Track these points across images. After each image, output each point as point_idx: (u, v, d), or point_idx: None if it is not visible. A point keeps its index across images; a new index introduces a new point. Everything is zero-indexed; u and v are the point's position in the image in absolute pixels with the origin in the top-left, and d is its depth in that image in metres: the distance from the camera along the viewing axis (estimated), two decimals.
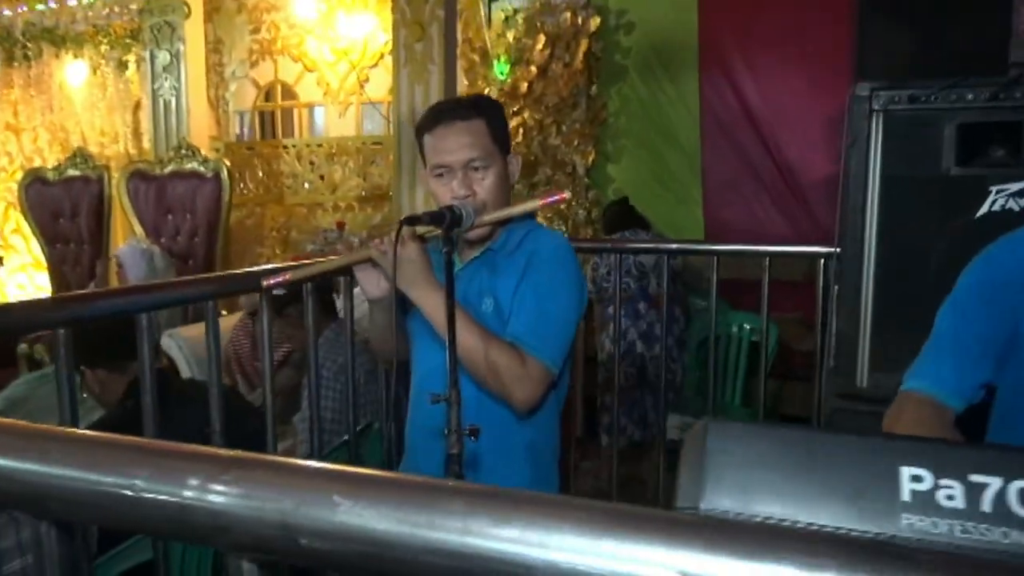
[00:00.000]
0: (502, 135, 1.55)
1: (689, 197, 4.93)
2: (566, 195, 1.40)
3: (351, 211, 5.70)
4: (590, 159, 4.81)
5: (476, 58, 5.10)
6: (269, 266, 2.16)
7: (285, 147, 5.88)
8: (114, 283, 4.99)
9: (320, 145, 5.74)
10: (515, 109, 4.88)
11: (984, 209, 1.70)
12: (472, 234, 1.50)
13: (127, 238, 5.49)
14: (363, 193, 5.59)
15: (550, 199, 1.45)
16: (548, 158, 4.84)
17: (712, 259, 2.59)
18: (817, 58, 4.53)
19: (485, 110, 1.52)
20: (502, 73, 4.94)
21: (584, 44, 4.67)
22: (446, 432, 1.18)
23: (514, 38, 4.89)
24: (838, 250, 2.15)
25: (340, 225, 5.18)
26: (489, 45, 5.01)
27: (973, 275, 1.27)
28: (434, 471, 1.49)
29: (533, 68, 4.76)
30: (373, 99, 5.63)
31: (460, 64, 5.02)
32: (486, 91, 5.05)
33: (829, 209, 4.69)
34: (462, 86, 5.04)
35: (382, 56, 5.55)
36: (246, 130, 6.48)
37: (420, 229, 1.48)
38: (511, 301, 1.49)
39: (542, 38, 4.74)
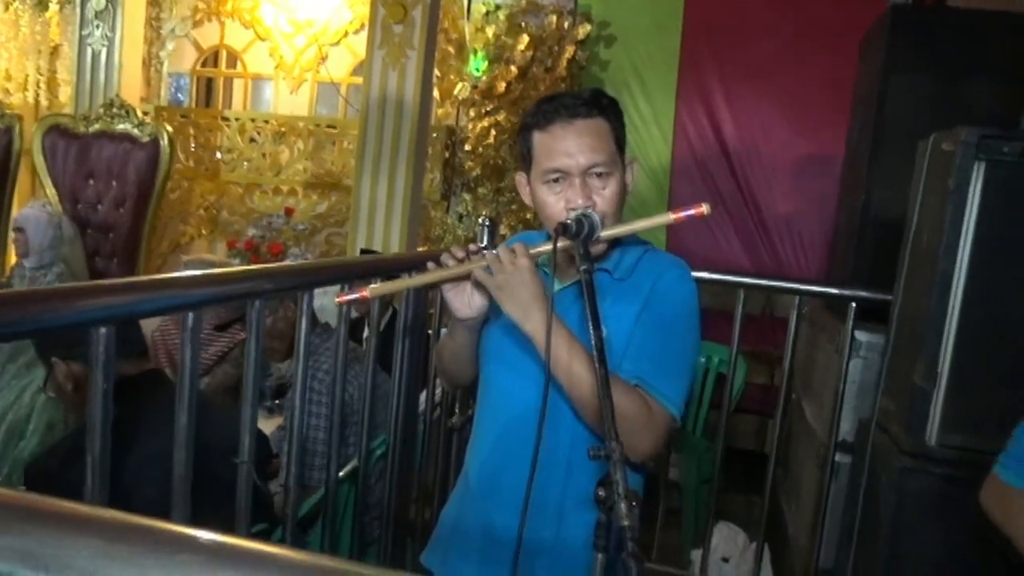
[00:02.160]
0: (622, 139, 1.34)
1: None
2: (704, 209, 1.19)
3: (293, 196, 5.29)
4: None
5: (451, 50, 4.86)
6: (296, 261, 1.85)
7: (225, 119, 5.40)
8: (10, 251, 4.41)
9: (267, 122, 5.30)
10: (488, 109, 4.67)
11: None
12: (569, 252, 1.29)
13: (30, 201, 4.88)
14: (311, 178, 5.20)
15: (685, 213, 1.24)
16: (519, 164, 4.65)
17: (738, 292, 2.49)
18: (797, 99, 4.56)
19: (607, 109, 1.30)
20: (478, 69, 4.72)
21: (569, 51, 4.52)
22: (600, 494, 0.96)
23: (494, 34, 4.68)
24: (890, 297, 2.07)
25: (289, 211, 4.79)
26: (467, 38, 4.78)
27: None
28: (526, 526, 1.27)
29: (513, 68, 4.56)
30: (332, 79, 5.26)
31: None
32: (458, 86, 4.82)
33: (794, 245, 4.78)
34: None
35: (346, 34, 5.21)
36: (180, 95, 5.94)
37: (540, 246, 1.25)
38: (628, 333, 1.28)
39: (525, 38, 4.55)
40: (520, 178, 1.37)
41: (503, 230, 4.64)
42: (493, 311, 1.32)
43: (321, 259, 4.41)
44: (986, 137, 1.65)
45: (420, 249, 4.57)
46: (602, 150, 1.26)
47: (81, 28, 5.18)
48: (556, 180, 1.27)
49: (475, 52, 4.73)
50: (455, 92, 4.84)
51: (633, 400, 1.19)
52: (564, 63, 4.52)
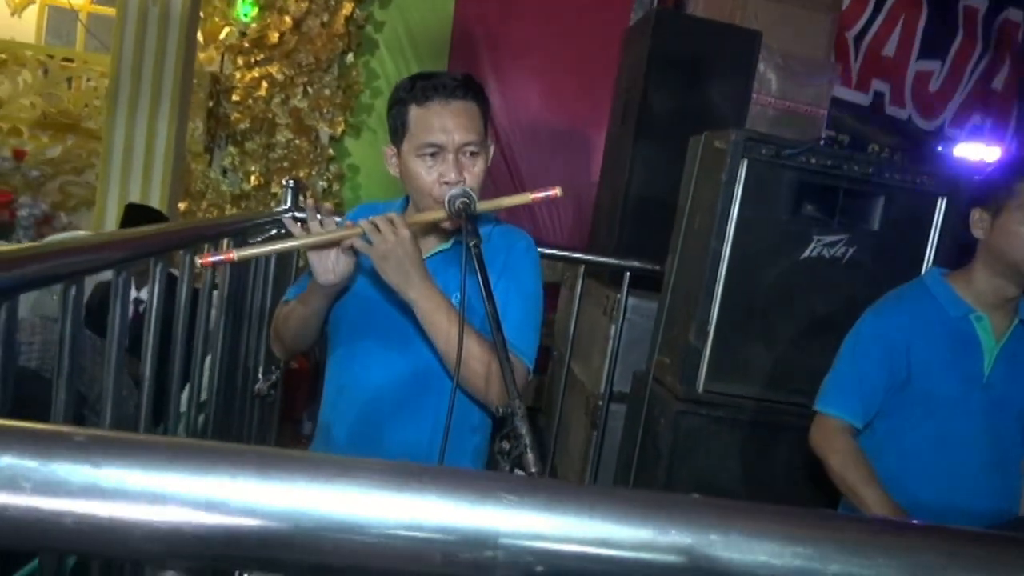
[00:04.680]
0: (487, 123, 1.47)
1: None
2: (558, 192, 1.38)
3: (17, 136, 4.57)
4: (339, 129, 4.58)
5: None
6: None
7: None
8: None
9: None
10: (259, 59, 4.43)
11: (806, 253, 2.10)
12: (446, 225, 1.40)
13: None
14: (41, 117, 4.53)
15: (542, 194, 1.41)
16: (292, 120, 4.49)
17: None
18: (562, 79, 4.94)
19: (478, 93, 1.42)
20: (246, 15, 4.44)
21: (348, 7, 4.43)
22: (504, 446, 1.10)
23: None
24: (663, 267, 2.43)
25: (19, 154, 4.13)
26: None
27: (871, 327, 1.59)
28: None
29: (288, 19, 4.37)
30: (71, 4, 4.59)
31: None
32: (224, 30, 4.50)
33: (552, 217, 5.21)
34: None
35: None
36: None
37: (420, 217, 1.34)
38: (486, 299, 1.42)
39: None
40: (388, 150, 1.43)
41: (274, 188, 4.48)
42: (352, 279, 1.37)
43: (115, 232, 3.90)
44: (750, 139, 2.02)
45: (180, 205, 4.24)
46: (475, 130, 1.37)
47: None
48: (431, 155, 1.36)
49: None
50: (220, 36, 4.52)
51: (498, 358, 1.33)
52: (342, 20, 4.43)
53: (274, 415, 2.61)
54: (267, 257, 2.18)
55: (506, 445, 1.11)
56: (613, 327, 2.85)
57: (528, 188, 4.50)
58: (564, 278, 4.11)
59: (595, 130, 4.66)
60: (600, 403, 2.84)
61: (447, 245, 1.45)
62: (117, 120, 3.86)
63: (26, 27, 4.75)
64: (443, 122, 1.35)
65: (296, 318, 1.47)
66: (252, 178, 4.48)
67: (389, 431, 1.41)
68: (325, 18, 4.43)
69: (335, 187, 4.62)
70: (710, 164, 2.17)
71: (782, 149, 2.03)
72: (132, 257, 1.37)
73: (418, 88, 1.37)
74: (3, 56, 4.49)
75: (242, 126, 4.50)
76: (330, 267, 1.33)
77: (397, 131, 1.40)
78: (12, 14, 4.68)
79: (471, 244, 1.24)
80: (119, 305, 1.38)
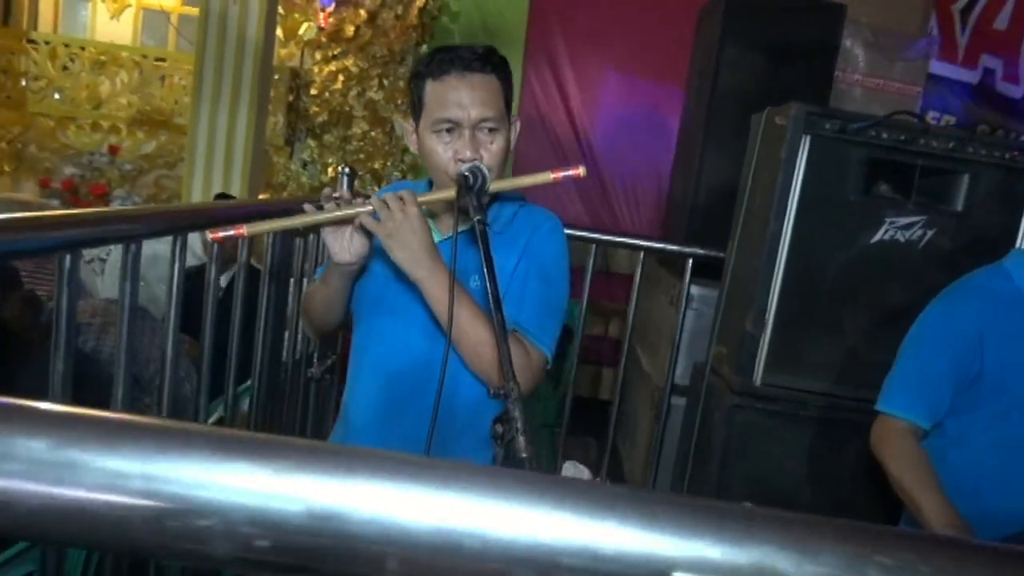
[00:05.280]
0: (510, 98, 1.39)
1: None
2: (581, 171, 1.29)
3: (116, 133, 4.85)
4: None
5: None
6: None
7: (32, 41, 4.81)
8: None
9: (84, 48, 4.78)
10: (336, 53, 4.52)
11: (878, 236, 1.92)
12: (461, 204, 1.34)
13: None
14: (137, 114, 4.78)
15: (563, 173, 1.33)
16: (368, 112, 4.55)
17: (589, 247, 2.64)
18: (640, 65, 4.80)
19: (499, 67, 1.35)
20: (324, 9, 4.53)
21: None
22: (498, 429, 1.04)
23: None
24: (725, 254, 2.29)
25: (113, 149, 4.38)
26: None
27: (937, 317, 1.43)
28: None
29: (362, 12, 4.43)
30: (163, 6, 4.83)
31: None
32: (304, 25, 4.61)
33: (629, 204, 5.08)
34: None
35: None
36: None
37: (431, 195, 1.29)
38: (507, 282, 1.36)
39: None
40: (408, 126, 1.38)
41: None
42: (371, 258, 1.34)
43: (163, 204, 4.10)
44: (811, 114, 1.86)
45: (262, 196, 4.37)
46: (493, 105, 1.31)
47: None
48: (447, 131, 1.30)
49: None
50: (300, 32, 4.63)
51: (514, 345, 1.27)
52: (415, 11, 4.45)
53: (331, 400, 2.63)
54: (314, 240, 2.19)
55: (499, 428, 1.06)
56: (679, 317, 2.74)
57: (608, 179, 4.38)
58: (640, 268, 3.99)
59: (674, 116, 4.51)
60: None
61: (465, 227, 1.40)
62: (200, 115, 4.01)
63: (124, 30, 5.02)
64: (459, 96, 1.29)
65: (319, 298, 1.45)
66: (330, 170, 4.57)
67: (403, 414, 1.37)
68: (399, 10, 4.46)
69: (410, 177, 4.65)
70: (771, 142, 2.03)
71: (848, 124, 1.87)
72: (169, 230, 1.39)
73: (435, 61, 1.31)
74: (103, 58, 4.76)
75: (320, 119, 4.60)
76: (345, 246, 1.30)
77: (415, 106, 1.35)
78: (111, 18, 4.95)
79: (476, 220, 1.18)
80: (176, 270, 1.40)
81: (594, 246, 2.67)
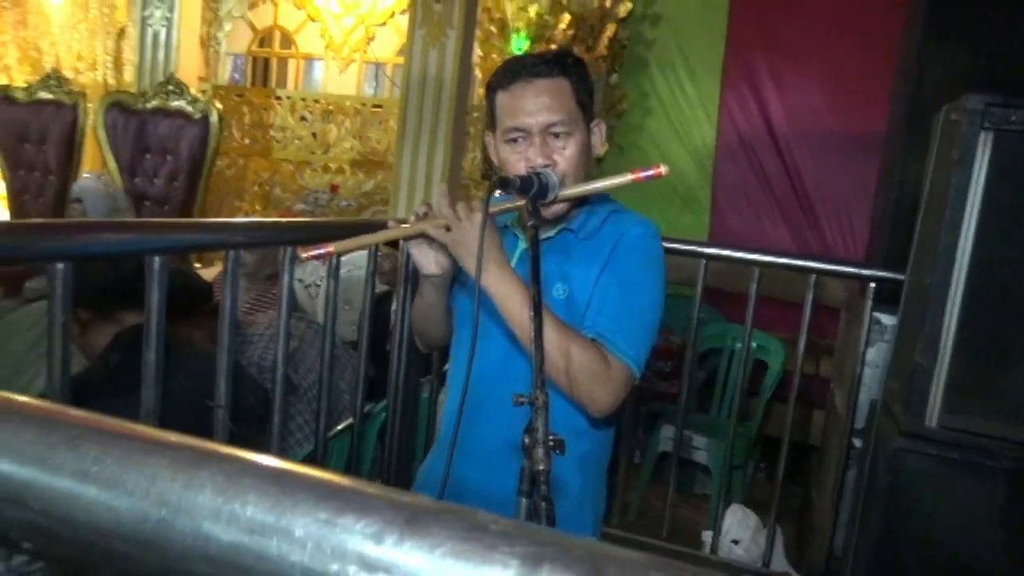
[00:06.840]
0: (587, 99, 1.34)
1: (695, 201, 4.80)
2: (663, 170, 1.19)
3: (341, 174, 5.41)
4: (603, 150, 4.60)
5: (493, 29, 4.86)
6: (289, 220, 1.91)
7: (278, 98, 5.55)
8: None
9: (317, 101, 5.43)
10: None
11: None
12: (546, 211, 1.29)
13: (88, 173, 5.12)
14: (357, 156, 5.31)
15: (644, 173, 1.24)
16: None
17: (753, 270, 2.43)
18: (844, 77, 4.41)
19: (570, 68, 1.30)
20: (520, 49, 4.71)
21: (610, 29, 4.47)
22: (525, 441, 0.97)
23: (536, 13, 4.66)
24: (903, 276, 2.00)
25: (334, 188, 4.90)
26: (508, 17, 4.77)
27: None
28: (488, 480, 1.29)
29: (553, 47, 4.53)
30: (378, 59, 5.34)
31: (475, 33, 4.78)
32: None
33: (841, 227, 4.63)
34: (475, 57, 4.80)
35: (392, 15, 5.27)
36: (236, 75, 6.13)
37: (503, 204, 1.27)
38: (591, 291, 1.29)
39: (567, 17, 4.52)
40: (488, 139, 1.38)
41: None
42: (460, 270, 1.34)
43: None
44: (992, 105, 1.57)
45: None
46: (561, 109, 1.27)
47: (143, 9, 5.39)
48: (516, 139, 1.29)
49: (517, 31, 4.73)
50: None
51: (591, 355, 1.20)
52: (605, 42, 4.47)
53: None
54: None
55: (527, 440, 1.00)
56: (870, 350, 2.44)
57: (813, 197, 4.01)
58: (844, 299, 3.61)
59: (881, 130, 4.05)
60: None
61: (551, 233, 1.36)
62: (404, 154, 4.34)
63: (349, 82, 5.61)
64: (524, 104, 1.27)
65: (418, 312, 1.49)
66: None
67: (482, 425, 1.35)
68: (590, 43, 4.51)
69: None
70: (947, 142, 1.74)
71: None
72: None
73: (505, 72, 1.31)
74: (331, 108, 5.35)
75: None
76: (431, 258, 1.33)
77: (491, 119, 1.36)
78: (340, 72, 5.56)
79: (529, 224, 1.14)
80: (286, 277, 1.52)
81: (756, 269, 2.46)
